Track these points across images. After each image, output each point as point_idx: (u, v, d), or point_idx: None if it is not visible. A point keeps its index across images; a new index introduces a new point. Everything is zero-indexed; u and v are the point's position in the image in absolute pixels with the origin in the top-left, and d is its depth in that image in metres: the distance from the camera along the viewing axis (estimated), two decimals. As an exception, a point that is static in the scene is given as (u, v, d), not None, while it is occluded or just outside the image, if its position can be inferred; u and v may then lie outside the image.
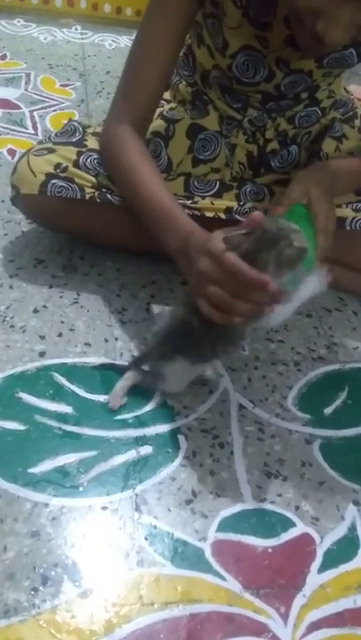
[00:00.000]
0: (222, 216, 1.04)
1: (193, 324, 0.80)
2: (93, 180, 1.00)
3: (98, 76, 1.81)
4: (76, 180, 1.00)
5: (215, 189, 1.07)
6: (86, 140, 1.06)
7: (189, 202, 1.04)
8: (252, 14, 0.92)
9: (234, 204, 1.05)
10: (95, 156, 1.01)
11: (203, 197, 1.06)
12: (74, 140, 1.06)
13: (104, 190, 1.00)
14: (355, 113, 1.16)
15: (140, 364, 0.91)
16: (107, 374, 0.92)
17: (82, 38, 2.03)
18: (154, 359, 0.89)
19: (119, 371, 0.91)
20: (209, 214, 1.04)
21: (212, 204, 1.05)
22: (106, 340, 0.98)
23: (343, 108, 1.17)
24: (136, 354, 0.96)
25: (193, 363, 0.86)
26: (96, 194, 1.00)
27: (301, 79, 0.99)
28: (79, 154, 1.02)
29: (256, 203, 1.06)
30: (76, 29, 2.08)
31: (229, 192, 1.07)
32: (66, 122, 1.12)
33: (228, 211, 1.04)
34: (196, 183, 1.07)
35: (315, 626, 0.68)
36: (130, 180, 0.94)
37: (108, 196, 0.99)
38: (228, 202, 1.05)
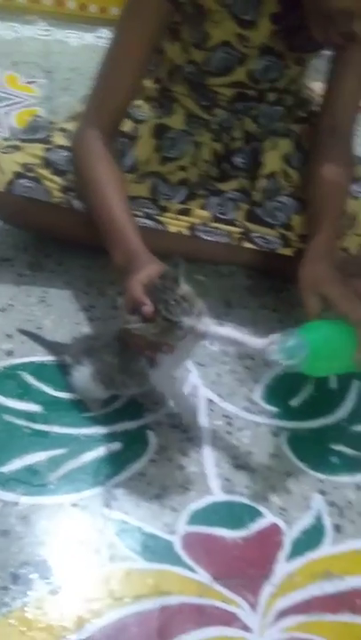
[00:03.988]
0: (185, 232, 1.05)
1: (117, 348, 0.82)
2: (61, 181, 1.00)
3: (63, 73, 1.80)
4: (44, 181, 0.99)
5: (181, 197, 1.08)
6: (52, 137, 1.05)
7: (155, 212, 1.04)
8: (237, 12, 0.93)
9: (198, 221, 1.06)
10: (64, 153, 1.01)
11: (169, 202, 1.06)
12: (39, 136, 1.05)
13: (71, 194, 1.00)
14: (313, 111, 1.17)
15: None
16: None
17: (47, 35, 2.02)
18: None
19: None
20: (173, 229, 1.05)
21: (177, 218, 1.05)
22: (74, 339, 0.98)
23: (306, 106, 1.18)
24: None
25: (96, 380, 0.85)
26: (62, 199, 0.99)
27: (274, 64, 1.00)
28: (47, 150, 1.01)
29: (218, 224, 1.06)
30: (41, 26, 2.06)
31: (195, 201, 1.08)
32: (30, 118, 1.12)
33: (191, 227, 1.05)
34: (162, 189, 1.07)
35: (283, 613, 0.70)
36: (92, 189, 0.94)
37: (74, 202, 0.99)
38: (192, 218, 1.06)
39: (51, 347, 0.95)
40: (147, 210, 1.05)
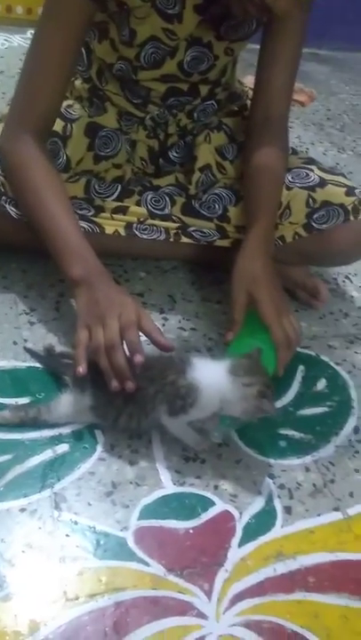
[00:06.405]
0: (122, 232, 1.05)
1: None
2: None
3: (-9, 77, 1.77)
4: None
5: (116, 194, 1.07)
6: None
7: (90, 213, 1.04)
8: (160, 5, 0.93)
9: (134, 220, 1.06)
10: None
11: (103, 200, 1.06)
12: None
13: (3, 199, 0.98)
14: (245, 105, 1.19)
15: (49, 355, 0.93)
16: (17, 377, 0.91)
17: (-27, 39, 1.98)
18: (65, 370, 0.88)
19: (32, 372, 0.91)
20: (109, 230, 1.04)
21: (112, 217, 1.05)
22: (15, 343, 0.96)
23: (239, 100, 1.20)
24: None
25: (93, 412, 0.84)
26: None
27: (203, 55, 1.00)
28: None
29: (154, 220, 1.07)
30: (-33, 30, 2.02)
31: (131, 197, 1.08)
32: None
33: (128, 226, 1.05)
34: (97, 187, 1.07)
35: (238, 597, 0.71)
36: (32, 200, 0.93)
37: (7, 206, 0.98)
38: (128, 217, 1.06)
39: (51, 365, 0.93)
40: (81, 212, 1.04)
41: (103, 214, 1.05)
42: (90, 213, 1.04)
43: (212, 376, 0.80)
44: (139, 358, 0.79)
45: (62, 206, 0.93)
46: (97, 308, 0.84)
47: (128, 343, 0.80)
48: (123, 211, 1.06)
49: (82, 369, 0.80)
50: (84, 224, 1.02)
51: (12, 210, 0.98)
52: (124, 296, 0.86)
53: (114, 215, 1.05)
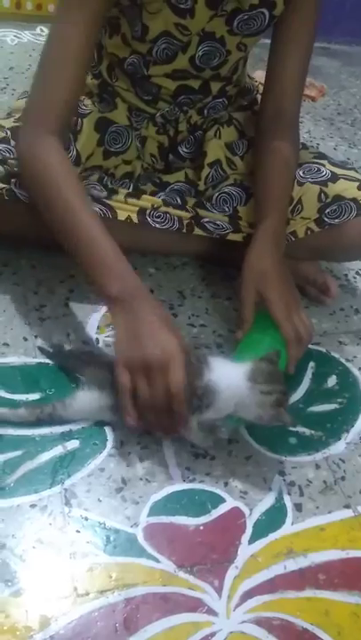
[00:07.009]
0: (135, 219, 1.04)
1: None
2: (1, 169, 0.97)
3: (1, 73, 1.76)
4: None
5: (128, 190, 1.07)
6: None
7: (103, 194, 1.03)
8: (172, 0, 0.92)
9: (148, 205, 1.04)
10: (1, 145, 0.99)
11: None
12: None
13: (13, 182, 0.96)
14: (255, 99, 1.18)
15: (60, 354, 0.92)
16: (28, 373, 0.91)
17: (-18, 35, 1.98)
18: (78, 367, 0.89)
19: (42, 369, 0.91)
20: (122, 216, 1.03)
21: (126, 201, 1.04)
22: (25, 339, 0.97)
23: (249, 95, 1.19)
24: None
25: (111, 410, 0.83)
26: (4, 190, 0.97)
27: (215, 49, 0.99)
28: None
29: (168, 208, 1.06)
30: (-24, 26, 2.02)
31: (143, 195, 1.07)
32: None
33: (141, 212, 1.04)
34: (109, 184, 1.06)
35: (248, 595, 0.71)
36: (64, 213, 0.88)
37: (16, 190, 0.97)
38: (142, 202, 1.04)
39: (65, 363, 0.92)
40: (95, 192, 1.02)
41: (116, 197, 1.03)
42: (103, 194, 1.03)
43: (230, 379, 0.79)
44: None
45: (94, 217, 0.89)
46: (138, 345, 0.79)
47: (176, 413, 0.78)
48: (137, 196, 1.05)
49: (132, 421, 0.79)
50: (97, 207, 1.00)
51: (22, 194, 0.96)
52: (165, 330, 0.80)
53: (128, 199, 1.04)
